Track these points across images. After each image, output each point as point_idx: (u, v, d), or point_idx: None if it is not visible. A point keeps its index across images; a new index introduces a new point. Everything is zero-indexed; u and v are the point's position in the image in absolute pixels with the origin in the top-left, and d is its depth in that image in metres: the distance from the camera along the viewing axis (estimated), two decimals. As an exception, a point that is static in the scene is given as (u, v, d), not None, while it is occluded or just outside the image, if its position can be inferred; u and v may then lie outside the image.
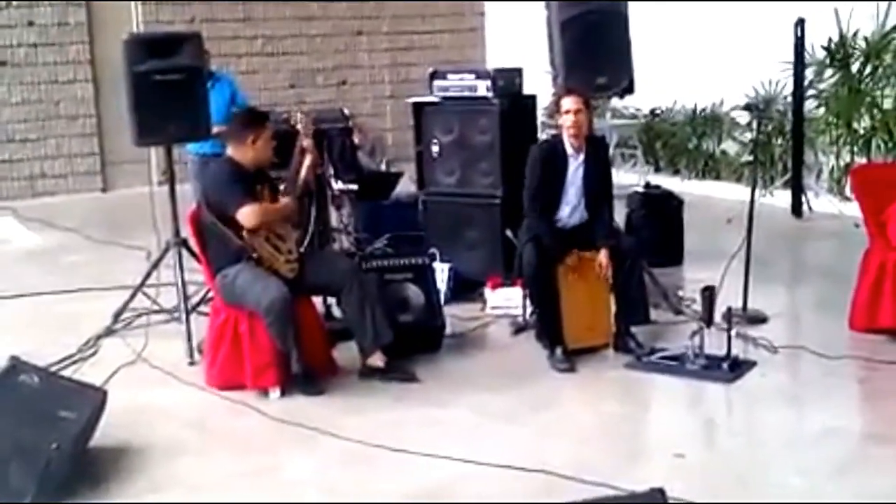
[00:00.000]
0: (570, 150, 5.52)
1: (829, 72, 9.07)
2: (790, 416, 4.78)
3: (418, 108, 6.83)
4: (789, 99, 9.06)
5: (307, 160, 5.31)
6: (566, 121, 5.46)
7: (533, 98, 6.97)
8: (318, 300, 5.60)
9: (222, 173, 5.15)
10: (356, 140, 7.42)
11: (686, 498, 3.76)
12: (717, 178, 10.14)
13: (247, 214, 4.91)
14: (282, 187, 5.25)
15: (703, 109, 10.33)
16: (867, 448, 4.37)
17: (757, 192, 6.13)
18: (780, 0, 8.94)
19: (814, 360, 5.26)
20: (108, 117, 10.70)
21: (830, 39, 8.97)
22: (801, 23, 8.56)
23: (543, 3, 6.35)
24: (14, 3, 10.48)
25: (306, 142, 5.33)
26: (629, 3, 6.38)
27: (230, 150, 5.18)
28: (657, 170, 10.55)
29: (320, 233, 6.48)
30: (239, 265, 5.00)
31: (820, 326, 5.85)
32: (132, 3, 11.04)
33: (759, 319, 5.85)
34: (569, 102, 5.47)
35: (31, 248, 8.63)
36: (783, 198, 8.90)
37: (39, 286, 6.94)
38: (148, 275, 6.06)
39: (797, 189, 8.79)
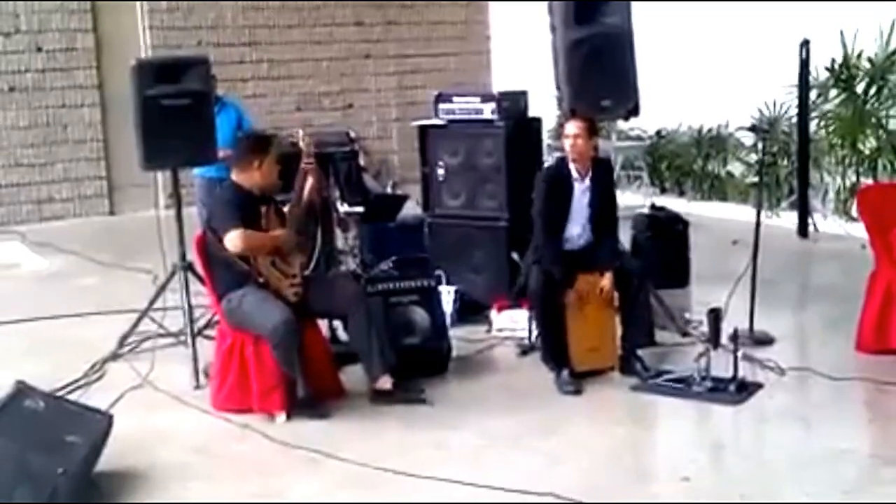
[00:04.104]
0: (575, 174, 5.53)
1: (833, 92, 9.08)
2: (798, 437, 4.76)
3: (424, 131, 6.86)
4: (794, 120, 9.07)
5: (309, 182, 5.31)
6: (566, 145, 5.49)
7: (538, 120, 6.99)
8: (323, 323, 5.60)
9: (224, 198, 5.17)
10: (362, 163, 7.43)
11: (693, 521, 3.75)
12: (723, 199, 10.14)
13: (232, 239, 4.90)
14: (286, 208, 5.25)
15: (709, 131, 10.35)
16: (876, 470, 4.35)
17: (763, 213, 6.12)
18: (786, 14, 8.95)
19: (821, 382, 5.24)
20: (115, 141, 10.75)
21: (834, 60, 8.99)
22: (805, 44, 8.59)
23: (549, 26, 6.37)
24: (23, 28, 10.56)
25: (307, 162, 5.33)
26: (634, 25, 6.40)
27: (235, 176, 5.19)
28: (663, 191, 10.56)
29: (326, 255, 6.49)
30: (244, 289, 5.00)
31: (827, 348, 5.83)
32: (140, 28, 11.11)
33: (766, 341, 5.83)
34: (570, 127, 5.49)
35: (38, 272, 8.65)
36: (789, 219, 8.89)
37: (46, 310, 6.95)
38: (154, 298, 6.07)
39: (803, 210, 8.78)
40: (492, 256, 6.57)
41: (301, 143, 5.37)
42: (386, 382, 5.11)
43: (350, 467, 4.42)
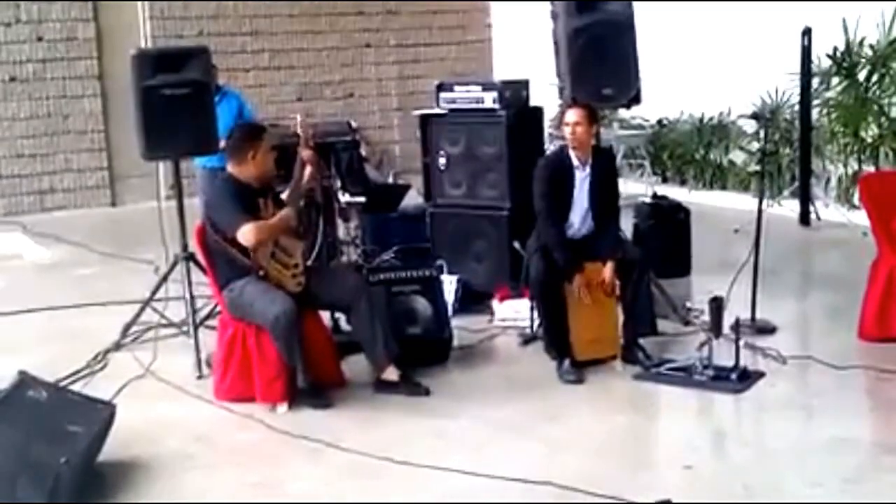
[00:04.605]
0: (575, 162, 5.52)
1: (835, 80, 9.07)
2: (800, 426, 4.77)
3: (425, 121, 6.85)
4: (796, 108, 9.06)
5: (307, 170, 5.30)
6: (566, 133, 5.48)
7: (540, 109, 6.98)
8: (325, 313, 5.60)
9: (222, 192, 5.14)
10: (363, 152, 7.43)
11: (695, 509, 3.76)
12: (724, 187, 10.14)
13: (245, 234, 4.89)
14: (284, 195, 5.25)
15: (710, 119, 10.33)
16: (878, 458, 4.35)
17: (764, 201, 6.12)
18: (788, 2, 8.94)
19: (823, 371, 5.24)
20: (116, 132, 10.74)
21: (836, 48, 8.97)
22: (807, 31, 8.57)
23: (550, 14, 6.36)
24: (23, 18, 10.55)
25: (306, 153, 5.33)
26: (635, 13, 6.39)
27: (231, 168, 5.17)
28: (664, 180, 10.55)
29: (328, 245, 6.49)
30: (245, 279, 5.01)
31: (829, 336, 5.83)
32: (140, 18, 11.09)
33: (768, 330, 5.83)
34: (570, 115, 5.48)
35: (40, 262, 8.66)
36: (791, 207, 8.89)
37: (48, 301, 6.95)
38: (156, 289, 6.07)
39: (805, 198, 8.78)
40: (493, 246, 6.57)
41: (298, 129, 5.37)
42: (392, 373, 5.12)
43: (352, 457, 4.43)
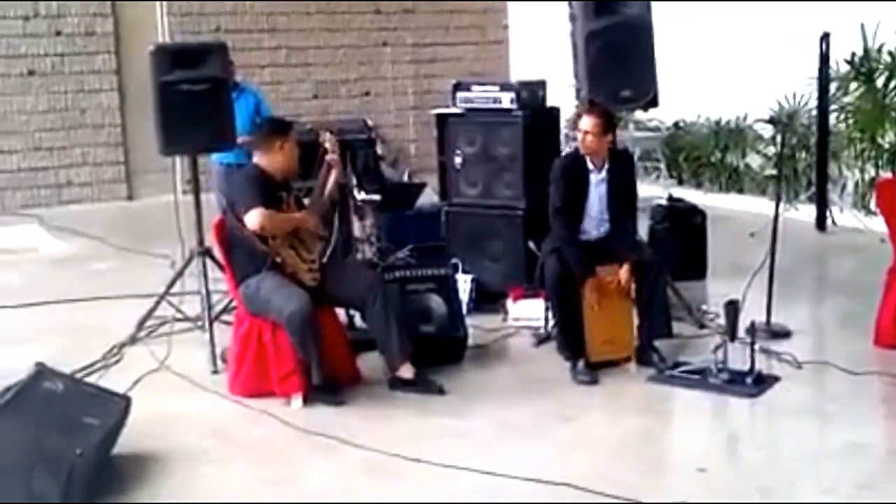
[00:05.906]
0: (590, 165, 5.51)
1: (853, 85, 9.04)
2: (814, 431, 4.76)
3: (442, 120, 6.85)
4: (814, 112, 9.04)
5: (333, 175, 5.34)
6: (579, 138, 5.48)
7: (556, 110, 6.98)
8: (340, 310, 5.61)
9: (247, 176, 5.22)
10: (379, 151, 7.43)
11: (709, 512, 3.75)
12: (741, 191, 10.11)
13: (253, 215, 4.91)
14: (307, 201, 5.27)
15: (727, 123, 10.31)
16: (892, 464, 4.34)
17: (781, 206, 6.11)
18: (807, 6, 8.91)
19: (838, 376, 5.23)
20: (133, 127, 10.79)
21: (854, 54, 8.94)
22: (826, 37, 8.54)
23: (568, 16, 6.35)
24: (42, 13, 10.61)
25: (332, 156, 5.36)
26: (653, 16, 6.38)
27: (258, 159, 5.22)
28: (680, 182, 10.53)
29: (343, 242, 6.50)
30: (262, 274, 5.02)
31: (844, 342, 5.81)
32: (158, 13, 11.12)
33: (783, 334, 5.81)
34: (584, 122, 5.47)
35: (56, 255, 8.70)
36: (807, 212, 8.86)
37: (65, 293, 6.99)
38: (172, 283, 6.10)
39: (821, 203, 8.75)
40: (508, 245, 6.58)
41: (327, 144, 5.40)
42: (408, 371, 5.14)
43: (365, 454, 4.44)
